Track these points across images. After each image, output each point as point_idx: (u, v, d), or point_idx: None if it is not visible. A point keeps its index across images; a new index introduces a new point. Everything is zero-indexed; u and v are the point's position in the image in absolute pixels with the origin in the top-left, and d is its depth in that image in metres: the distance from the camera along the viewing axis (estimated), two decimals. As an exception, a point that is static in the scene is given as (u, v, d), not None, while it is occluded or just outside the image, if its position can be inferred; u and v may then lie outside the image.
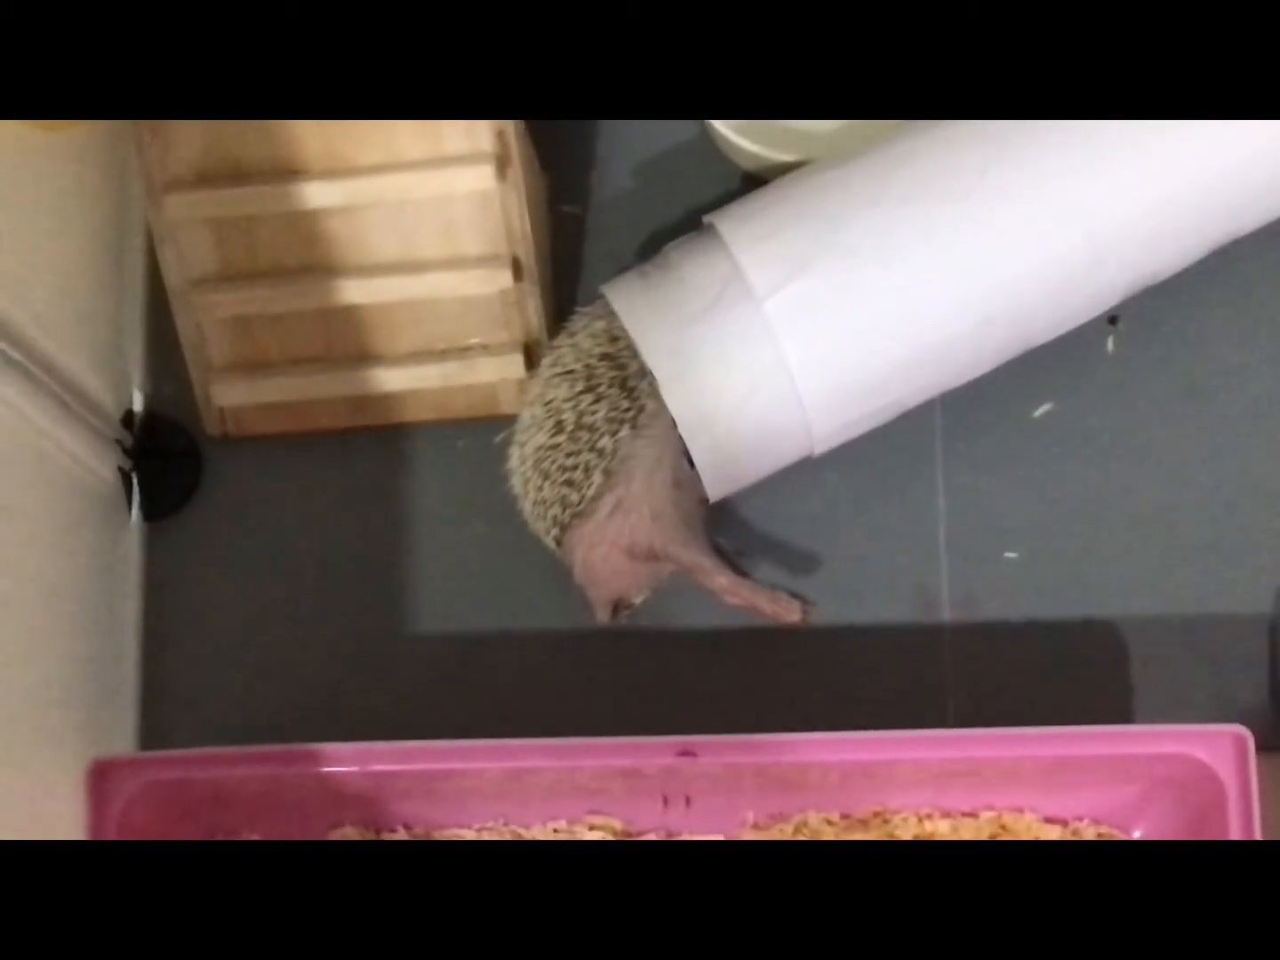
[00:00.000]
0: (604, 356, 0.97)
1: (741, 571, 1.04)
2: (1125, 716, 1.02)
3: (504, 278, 1.02)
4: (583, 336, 0.98)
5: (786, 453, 1.00)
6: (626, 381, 0.96)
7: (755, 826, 1.01)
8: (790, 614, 1.03)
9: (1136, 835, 0.99)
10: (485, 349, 1.05)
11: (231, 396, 1.06)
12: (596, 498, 0.97)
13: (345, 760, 0.96)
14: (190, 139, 1.01)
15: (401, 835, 1.02)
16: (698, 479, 0.98)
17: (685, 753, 0.94)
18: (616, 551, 0.99)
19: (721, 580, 1.02)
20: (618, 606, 1.03)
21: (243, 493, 1.09)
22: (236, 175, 1.01)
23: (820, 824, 1.00)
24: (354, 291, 1.03)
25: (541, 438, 0.98)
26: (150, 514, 1.09)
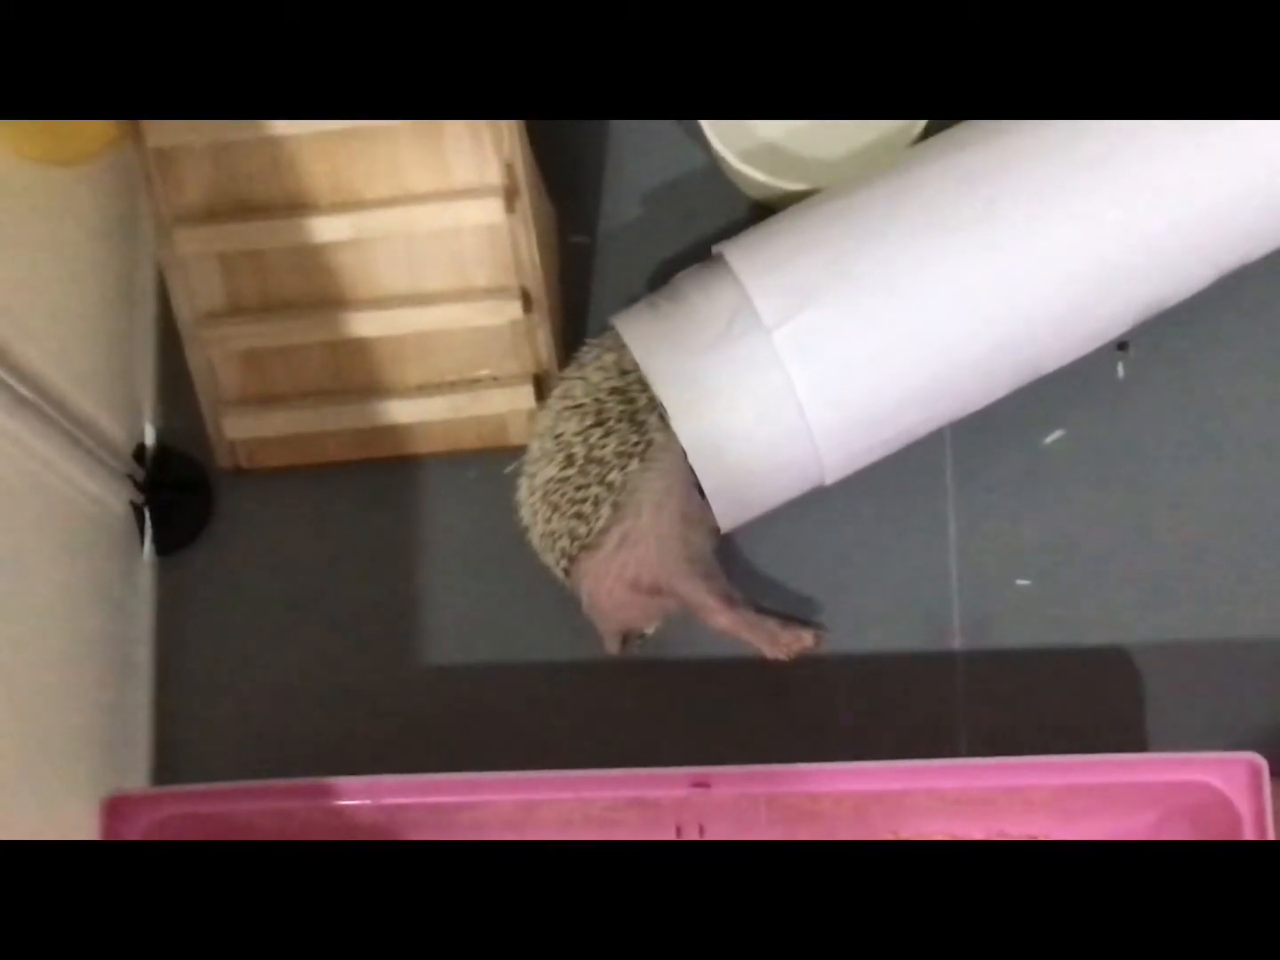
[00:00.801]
0: (613, 390, 0.97)
1: (747, 606, 1.03)
2: (1138, 743, 1.02)
3: (513, 309, 1.02)
4: (592, 370, 0.98)
5: (797, 482, 1.00)
6: (636, 415, 0.96)
7: (769, 856, 1.01)
8: (785, 651, 1.03)
9: (1151, 863, 0.99)
10: (495, 380, 1.05)
11: (242, 429, 1.06)
12: (604, 530, 0.97)
13: (357, 794, 0.95)
14: (198, 174, 1.01)
15: (415, 867, 1.02)
16: (708, 509, 0.98)
17: (699, 784, 0.94)
18: (622, 585, 0.99)
19: (722, 620, 1.01)
20: (628, 637, 1.03)
21: (254, 525, 1.09)
22: (245, 209, 1.02)
23: (834, 853, 1.00)
24: (363, 324, 1.03)
25: (551, 470, 0.98)
26: (162, 547, 1.09)
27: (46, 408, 0.96)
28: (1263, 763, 0.91)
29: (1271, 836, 0.91)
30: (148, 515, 1.09)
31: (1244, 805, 0.91)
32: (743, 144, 1.07)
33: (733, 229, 1.01)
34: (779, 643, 1.02)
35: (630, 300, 1.01)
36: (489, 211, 1.00)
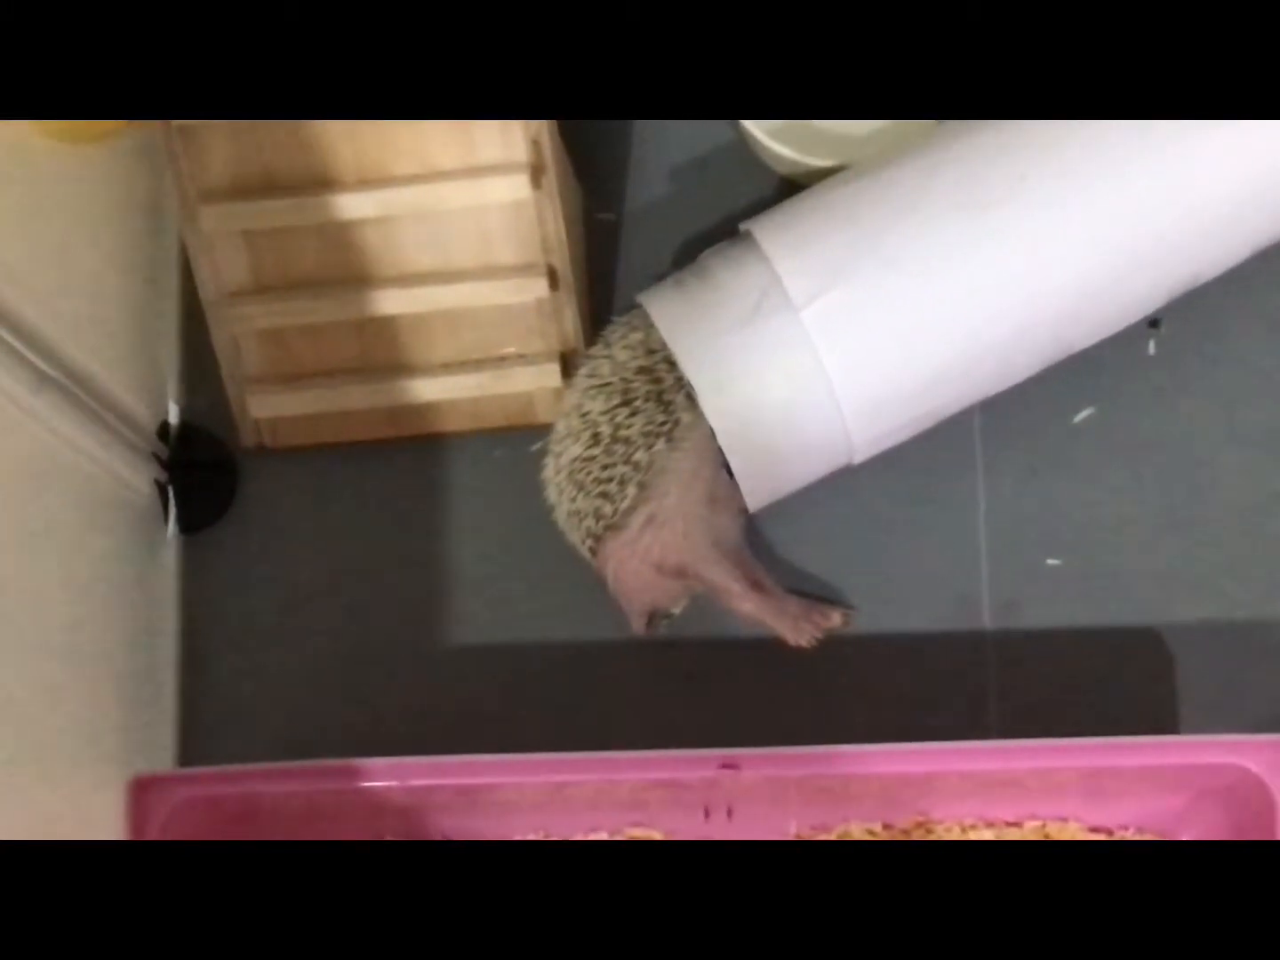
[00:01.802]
0: (640, 370, 0.96)
1: (775, 587, 1.03)
2: (1170, 723, 1.01)
3: (540, 286, 1.02)
4: (619, 349, 0.98)
5: (826, 461, 0.99)
6: (663, 395, 0.96)
7: (797, 837, 1.00)
8: (808, 638, 1.02)
9: (1183, 846, 0.98)
10: (521, 358, 1.05)
11: (267, 408, 1.06)
12: (630, 511, 0.97)
13: (384, 775, 0.95)
14: (223, 151, 1.00)
15: (442, 848, 1.01)
16: (736, 490, 0.97)
17: (728, 765, 0.94)
18: (647, 566, 0.99)
19: (745, 605, 1.01)
20: (653, 617, 1.03)
21: (279, 504, 1.09)
22: (270, 187, 1.01)
23: (863, 834, 1.00)
24: (389, 302, 1.03)
25: (577, 449, 0.97)
26: (187, 526, 1.09)
27: (71, 386, 0.96)
28: (1297, 745, 0.90)
29: (1305, 820, 0.90)
30: (172, 494, 1.09)
31: (1278, 787, 0.90)
32: (771, 120, 1.06)
33: (760, 205, 1.00)
34: (802, 630, 1.02)
35: (657, 278, 1.01)
36: (515, 188, 0.99)
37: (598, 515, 0.98)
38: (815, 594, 1.04)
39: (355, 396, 1.05)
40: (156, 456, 1.08)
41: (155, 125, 0.99)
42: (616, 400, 0.97)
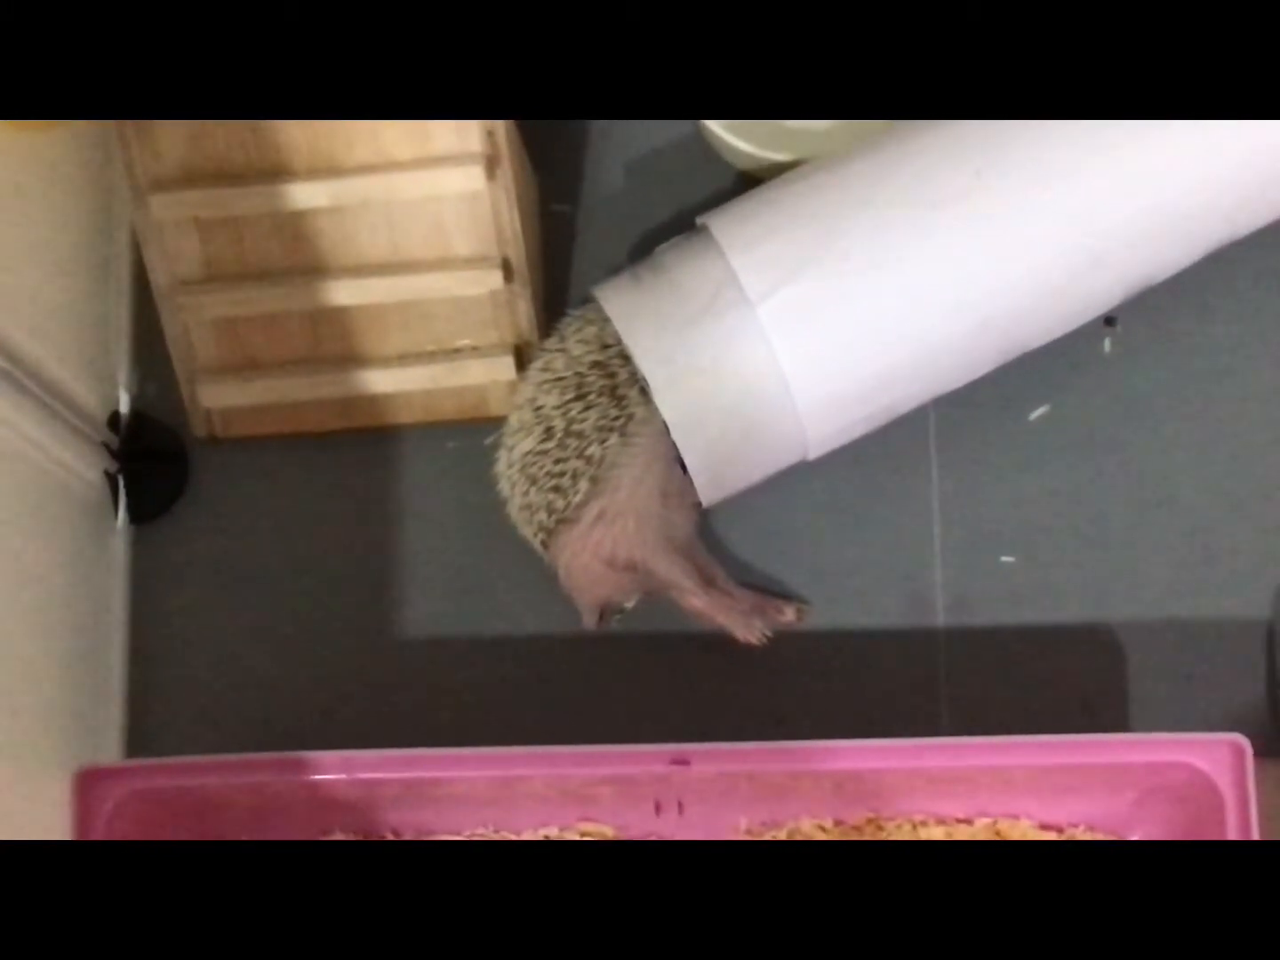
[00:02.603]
0: (594, 364, 0.96)
1: (729, 583, 1.03)
2: (1122, 722, 1.02)
3: (494, 279, 1.01)
4: (573, 342, 0.97)
5: (780, 457, 0.99)
6: (616, 390, 0.95)
7: (748, 833, 1.00)
8: (757, 636, 1.01)
9: (1133, 844, 0.98)
10: (475, 350, 1.04)
11: (218, 398, 1.05)
12: (582, 505, 0.97)
13: (333, 768, 0.95)
14: (175, 139, 0.99)
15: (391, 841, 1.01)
16: (689, 485, 0.97)
17: (679, 761, 0.93)
18: (598, 561, 0.99)
19: (696, 602, 1.01)
20: (605, 612, 1.02)
21: (230, 495, 1.08)
22: (223, 175, 1.00)
23: (814, 830, 1.00)
24: (342, 292, 1.02)
25: (530, 443, 0.97)
26: (136, 517, 1.08)
27: (19, 374, 0.95)
28: (1246, 744, 0.90)
29: (1255, 819, 0.90)
30: (122, 484, 1.08)
31: (1227, 787, 0.91)
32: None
33: (718, 200, 1.00)
34: (752, 627, 1.02)
35: (613, 271, 1.00)
36: (470, 179, 0.98)
37: (550, 509, 0.97)
38: (769, 589, 1.04)
39: (307, 387, 1.05)
40: (106, 446, 1.07)
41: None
42: (570, 394, 0.96)
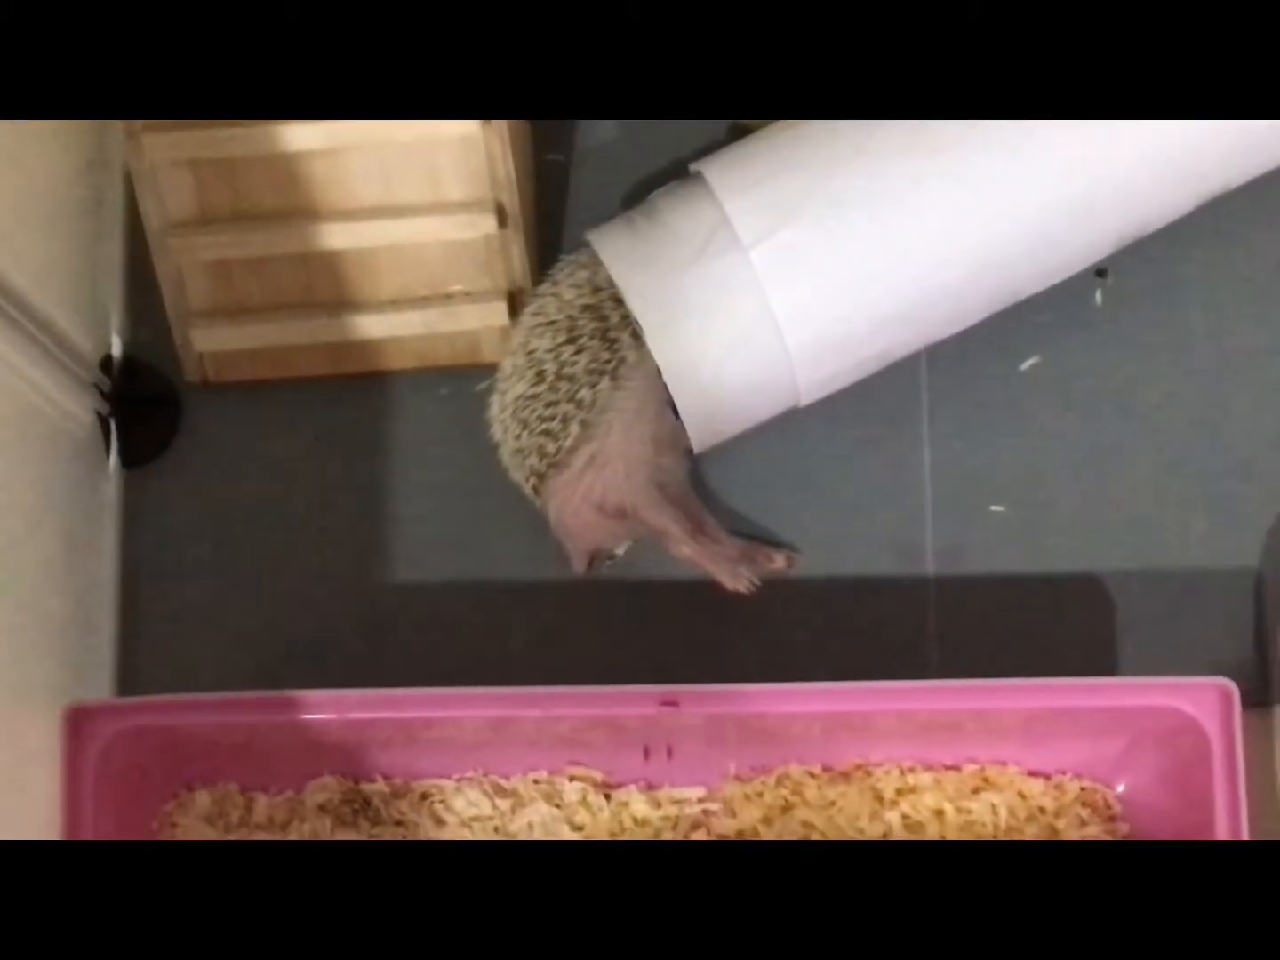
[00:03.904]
0: (586, 308, 0.96)
1: (719, 530, 1.03)
2: (1110, 670, 1.02)
3: (488, 223, 1.01)
4: (565, 287, 0.97)
5: (772, 403, 0.99)
6: (608, 333, 0.95)
7: (737, 778, 1.00)
8: (745, 585, 1.01)
9: (1120, 789, 0.99)
10: (468, 296, 1.04)
11: (211, 342, 1.05)
12: (573, 449, 0.97)
13: (324, 707, 0.95)
14: (170, 79, 0.99)
15: (380, 785, 1.01)
16: (681, 431, 0.97)
17: (668, 703, 0.94)
18: (588, 506, 0.99)
19: (684, 549, 1.00)
20: (596, 557, 1.03)
21: (222, 439, 1.08)
22: (216, 116, 1.00)
23: (802, 776, 1.00)
24: (335, 236, 1.02)
25: (522, 387, 0.97)
26: (128, 460, 1.08)
27: (13, 312, 0.95)
28: (1234, 688, 0.91)
29: (1240, 764, 0.91)
30: (114, 427, 1.08)
31: (1214, 730, 0.91)
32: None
33: (711, 147, 1.00)
34: (740, 576, 1.02)
35: (606, 218, 1.00)
36: (464, 123, 0.98)
37: (541, 453, 0.97)
38: (760, 537, 1.04)
39: (300, 332, 1.05)
40: (99, 389, 1.07)
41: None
42: (562, 338, 0.96)
